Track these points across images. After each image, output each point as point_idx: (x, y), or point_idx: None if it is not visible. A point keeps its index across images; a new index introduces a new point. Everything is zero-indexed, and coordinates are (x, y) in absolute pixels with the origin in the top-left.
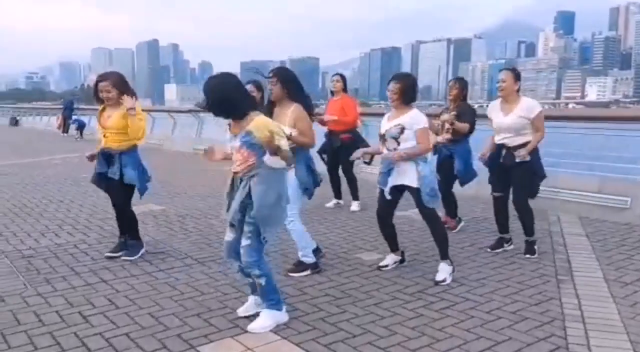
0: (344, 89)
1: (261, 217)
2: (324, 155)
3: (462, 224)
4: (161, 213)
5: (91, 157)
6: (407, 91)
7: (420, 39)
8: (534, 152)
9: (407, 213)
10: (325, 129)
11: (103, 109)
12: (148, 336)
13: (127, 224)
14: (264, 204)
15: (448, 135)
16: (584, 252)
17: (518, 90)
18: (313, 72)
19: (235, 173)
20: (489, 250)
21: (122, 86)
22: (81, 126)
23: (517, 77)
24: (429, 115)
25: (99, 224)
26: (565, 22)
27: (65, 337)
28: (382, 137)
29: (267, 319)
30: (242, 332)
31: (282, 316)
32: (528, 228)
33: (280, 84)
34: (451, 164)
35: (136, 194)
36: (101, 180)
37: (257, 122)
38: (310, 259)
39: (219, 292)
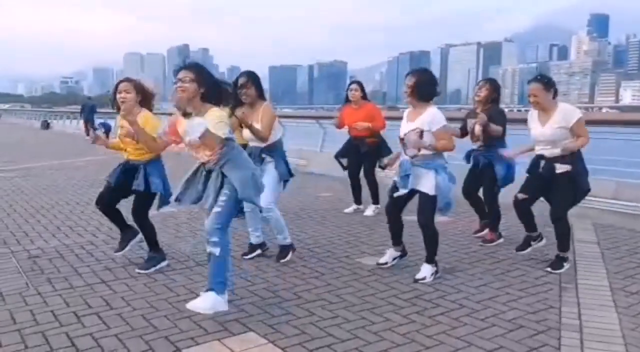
0: (364, 96)
1: (248, 196)
2: (342, 160)
3: (501, 240)
4: (171, 215)
5: (95, 138)
6: (423, 86)
7: (449, 43)
8: (578, 163)
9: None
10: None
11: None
12: (137, 337)
13: (146, 235)
14: (246, 186)
15: (480, 142)
16: (592, 259)
17: (555, 97)
18: (340, 76)
19: (203, 163)
20: (515, 252)
21: (143, 91)
22: (107, 130)
23: (547, 86)
24: (455, 119)
25: (109, 226)
26: (599, 24)
27: (56, 336)
28: (402, 141)
29: (207, 300)
30: (229, 336)
31: (221, 303)
32: (563, 242)
33: (254, 87)
34: (492, 171)
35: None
36: (110, 190)
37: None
38: (287, 241)
39: None
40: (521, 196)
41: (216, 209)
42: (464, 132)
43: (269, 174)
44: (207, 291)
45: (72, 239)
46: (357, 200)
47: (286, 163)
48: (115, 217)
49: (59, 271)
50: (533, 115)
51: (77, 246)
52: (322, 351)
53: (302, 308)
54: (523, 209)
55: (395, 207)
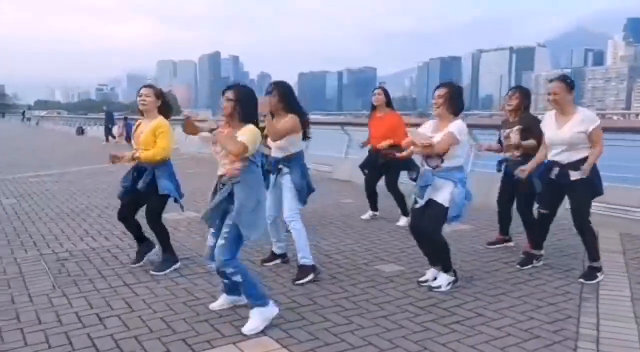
0: (388, 103)
1: (240, 220)
2: (366, 170)
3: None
4: (195, 219)
5: (114, 158)
6: (455, 99)
7: (481, 48)
8: (592, 169)
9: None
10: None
11: (138, 125)
12: (155, 339)
13: (160, 239)
14: (244, 209)
15: (517, 153)
16: (616, 270)
17: (573, 100)
18: (369, 82)
19: (220, 176)
20: (518, 267)
21: (162, 97)
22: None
23: (569, 86)
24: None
25: None
26: (636, 29)
27: (78, 337)
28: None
29: (256, 319)
30: (244, 339)
31: (270, 311)
32: (592, 251)
33: (278, 96)
34: (529, 184)
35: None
36: (126, 194)
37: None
38: (308, 260)
39: None
40: (544, 211)
41: (220, 242)
42: (501, 146)
43: (286, 187)
44: (251, 309)
45: (99, 243)
46: (373, 207)
47: (305, 176)
48: (134, 229)
49: (84, 273)
50: (549, 117)
51: (104, 249)
52: None
53: (317, 314)
54: (545, 224)
55: (419, 225)
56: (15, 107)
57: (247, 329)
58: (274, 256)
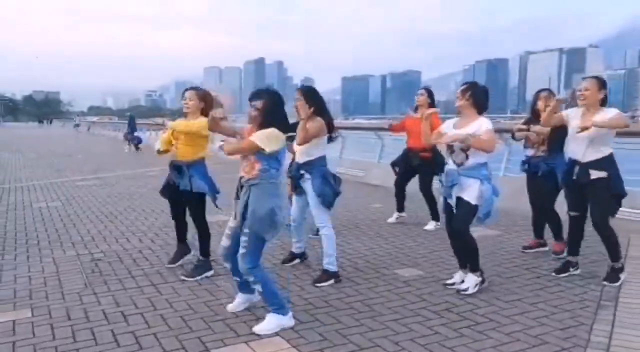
0: (431, 104)
1: (251, 225)
2: (396, 168)
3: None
4: (225, 223)
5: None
6: (480, 96)
7: (529, 50)
8: (612, 168)
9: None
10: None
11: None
12: (172, 336)
13: (201, 241)
14: (256, 215)
15: (544, 147)
16: None
17: (604, 101)
18: (414, 86)
19: (241, 177)
20: (553, 274)
21: (205, 98)
22: (138, 142)
23: (602, 85)
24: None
25: (167, 232)
26: None
27: (102, 333)
28: (450, 148)
29: (271, 322)
30: (257, 339)
31: (286, 321)
32: (612, 252)
33: (304, 100)
34: (553, 179)
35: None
36: (167, 190)
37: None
38: (333, 267)
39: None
40: (573, 213)
41: (241, 251)
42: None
43: (309, 193)
44: (269, 313)
45: (133, 244)
46: (400, 207)
47: (328, 181)
48: (181, 228)
49: (115, 273)
50: (576, 113)
51: (136, 250)
52: None
53: (330, 316)
54: (575, 225)
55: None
56: (68, 113)
57: (259, 328)
58: (293, 256)
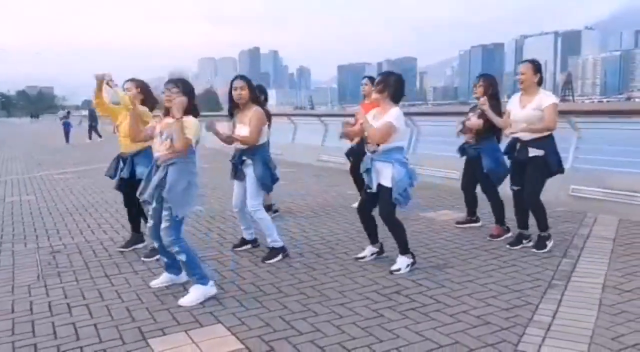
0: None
1: (170, 198)
2: (350, 158)
3: (509, 234)
4: (207, 213)
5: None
6: (394, 86)
7: (525, 34)
8: (549, 146)
9: (429, 215)
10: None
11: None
12: (112, 327)
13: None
14: (174, 189)
15: (471, 134)
16: (598, 256)
17: (540, 83)
18: (410, 73)
19: (156, 159)
20: (507, 246)
21: (143, 89)
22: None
23: (536, 68)
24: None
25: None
26: None
27: (42, 326)
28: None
29: (196, 293)
30: (197, 327)
31: (209, 290)
32: (541, 223)
33: (248, 90)
34: (478, 163)
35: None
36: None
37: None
38: (278, 243)
39: None
40: (515, 188)
41: (164, 225)
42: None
43: (249, 178)
44: (192, 286)
45: (96, 236)
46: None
47: (268, 167)
48: (135, 218)
49: (71, 265)
50: (515, 98)
51: (97, 242)
52: (278, 343)
53: (278, 302)
54: (519, 200)
55: (364, 206)
56: (62, 108)
57: (184, 301)
58: (244, 242)
